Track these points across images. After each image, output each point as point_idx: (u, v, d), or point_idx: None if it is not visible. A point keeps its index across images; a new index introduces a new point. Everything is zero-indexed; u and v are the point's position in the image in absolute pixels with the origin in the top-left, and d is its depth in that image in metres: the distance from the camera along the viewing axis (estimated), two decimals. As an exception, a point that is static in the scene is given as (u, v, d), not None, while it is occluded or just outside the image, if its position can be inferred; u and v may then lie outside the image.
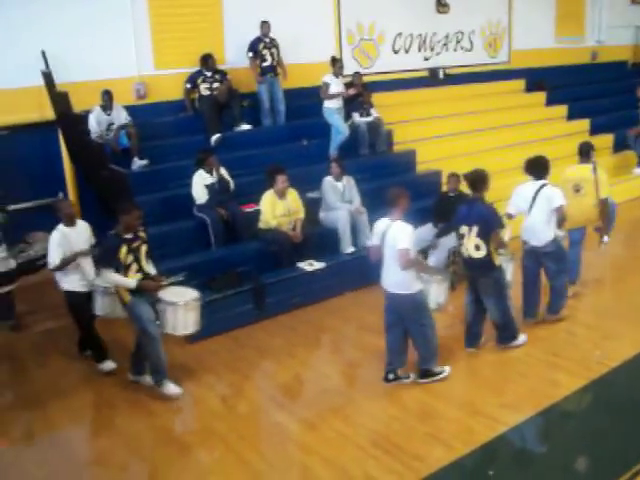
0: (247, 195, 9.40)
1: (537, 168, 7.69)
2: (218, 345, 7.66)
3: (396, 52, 13.89)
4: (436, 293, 7.26)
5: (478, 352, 7.28)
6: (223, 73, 10.87)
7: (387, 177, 11.07)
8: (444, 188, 10.28)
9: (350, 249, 9.27)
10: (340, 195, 9.53)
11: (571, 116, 14.98)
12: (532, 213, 7.53)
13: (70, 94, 9.17)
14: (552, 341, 7.51)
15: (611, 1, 17.75)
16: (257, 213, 9.04)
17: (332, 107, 10.91)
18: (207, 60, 10.73)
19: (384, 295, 6.64)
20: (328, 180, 9.56)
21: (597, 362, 6.87)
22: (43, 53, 9.56)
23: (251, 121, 11.08)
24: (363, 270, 9.18)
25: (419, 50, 14.23)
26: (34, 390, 7.00)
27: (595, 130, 14.61)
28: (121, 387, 6.94)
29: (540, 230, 7.50)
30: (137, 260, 6.55)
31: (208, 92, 10.71)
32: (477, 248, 6.89)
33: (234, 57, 11.14)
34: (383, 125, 11.54)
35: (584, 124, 14.68)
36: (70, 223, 7.02)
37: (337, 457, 5.62)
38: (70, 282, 7.04)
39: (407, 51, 14.03)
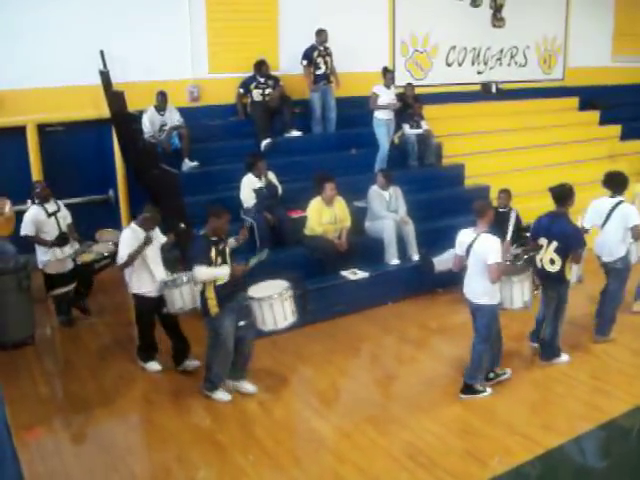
0: (295, 201, 9.45)
1: (616, 183, 7.72)
2: (258, 348, 7.65)
3: (449, 65, 13.86)
4: (520, 292, 7.24)
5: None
6: (276, 79, 10.97)
7: (435, 190, 11.06)
8: (494, 203, 10.20)
9: (395, 261, 9.24)
10: (386, 204, 9.52)
11: (624, 136, 14.74)
12: (606, 229, 7.60)
13: (126, 94, 9.34)
14: (594, 364, 7.41)
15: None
16: (304, 219, 9.08)
17: (381, 118, 10.92)
18: (261, 66, 10.83)
19: (467, 302, 6.76)
20: (374, 189, 9.56)
21: None
22: (102, 53, 9.77)
23: (301, 128, 11.16)
24: (407, 282, 9.21)
25: (472, 64, 14.17)
26: (78, 384, 7.13)
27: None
28: (161, 385, 7.03)
29: (614, 246, 7.56)
30: (225, 262, 6.56)
31: (260, 97, 10.80)
32: (552, 262, 6.98)
33: (287, 64, 11.23)
34: (433, 138, 11.51)
35: (638, 145, 14.43)
36: (147, 228, 7.07)
37: (370, 467, 5.62)
38: (141, 285, 7.05)
39: (460, 64, 13.98)
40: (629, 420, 6.41)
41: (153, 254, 7.10)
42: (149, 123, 9.86)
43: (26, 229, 8.28)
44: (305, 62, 11.19)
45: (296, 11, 11.46)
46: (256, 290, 6.87)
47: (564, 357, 7.39)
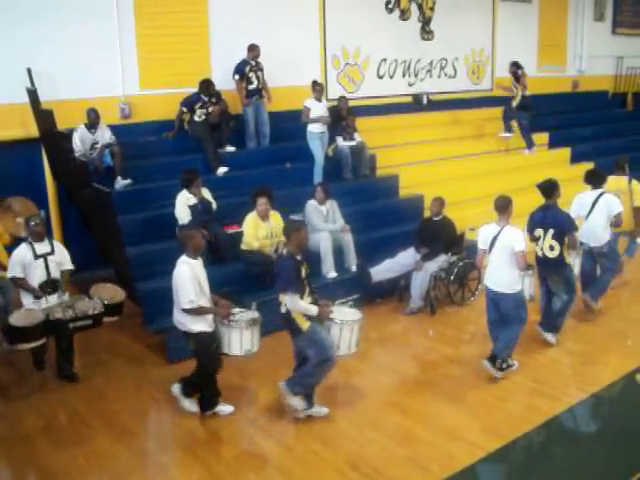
0: (231, 216, 9.40)
1: (596, 178, 8.80)
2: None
3: (381, 77, 14.04)
4: (529, 286, 8.30)
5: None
6: (219, 96, 10.89)
7: (370, 201, 11.16)
8: (427, 213, 10.35)
9: (332, 274, 9.26)
10: (324, 218, 9.56)
11: (552, 144, 15.15)
12: (591, 218, 8.60)
13: (55, 112, 9.17)
14: (532, 367, 7.57)
15: (592, 32, 18.08)
16: (240, 234, 9.04)
17: (315, 131, 10.99)
18: (208, 86, 10.67)
19: (486, 293, 7.30)
20: (311, 204, 9.59)
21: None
22: (29, 70, 9.57)
23: (235, 143, 11.13)
24: (346, 293, 9.21)
25: (403, 76, 14.39)
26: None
27: (575, 159, 14.81)
28: (97, 407, 6.89)
29: (599, 233, 8.58)
30: (308, 282, 6.40)
31: (203, 117, 10.69)
32: (551, 249, 7.74)
33: (219, 79, 11.13)
34: (366, 149, 11.61)
35: (565, 152, 14.88)
36: (196, 255, 6.47)
37: (316, 480, 5.61)
38: (200, 322, 6.39)
39: (391, 77, 14.18)
40: (566, 420, 6.57)
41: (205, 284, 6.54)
42: (80, 141, 9.67)
43: (13, 270, 7.38)
44: (237, 77, 11.16)
45: (227, 26, 11.44)
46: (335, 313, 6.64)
47: (554, 339, 8.03)
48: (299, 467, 5.80)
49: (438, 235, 9.29)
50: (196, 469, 5.85)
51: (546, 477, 5.74)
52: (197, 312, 6.26)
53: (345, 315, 6.82)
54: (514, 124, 14.25)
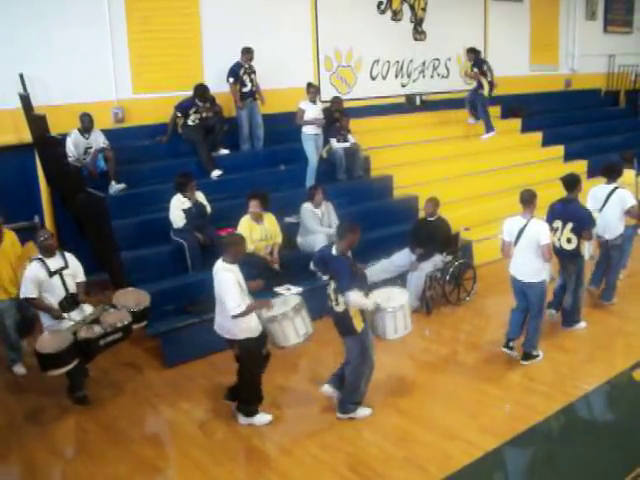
0: (225, 219, 9.39)
1: (613, 171, 8.95)
2: (195, 370, 7.62)
3: (373, 78, 14.04)
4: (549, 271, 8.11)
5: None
6: (213, 100, 10.89)
7: (364, 202, 11.16)
8: (421, 213, 10.35)
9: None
10: (319, 221, 9.56)
11: (545, 142, 15.19)
12: (605, 211, 8.77)
13: (48, 117, 9.15)
14: (527, 365, 7.58)
15: (584, 30, 18.13)
16: (235, 237, 9.03)
17: (309, 133, 10.99)
18: (204, 91, 10.65)
19: (512, 281, 7.62)
20: (307, 206, 9.59)
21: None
22: (21, 76, 9.54)
23: (229, 146, 11.13)
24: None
25: (396, 77, 14.39)
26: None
27: (569, 156, 14.84)
28: (95, 414, 6.88)
29: (613, 225, 8.77)
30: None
31: (197, 122, 10.68)
32: (569, 241, 8.03)
33: (212, 82, 11.12)
34: (360, 151, 11.61)
35: (558, 150, 14.91)
36: (236, 261, 6.35)
37: (314, 483, 5.61)
38: (246, 328, 6.36)
39: (384, 78, 14.18)
40: (563, 418, 6.58)
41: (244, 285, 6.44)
42: (73, 147, 9.66)
43: (26, 290, 6.86)
44: (232, 80, 11.16)
45: (219, 29, 11.42)
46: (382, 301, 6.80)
47: (583, 324, 8.48)
48: (297, 470, 5.80)
49: (433, 235, 9.29)
50: (194, 473, 5.84)
51: (544, 475, 5.75)
52: (245, 313, 6.19)
53: (395, 300, 6.98)
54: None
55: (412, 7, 14.44)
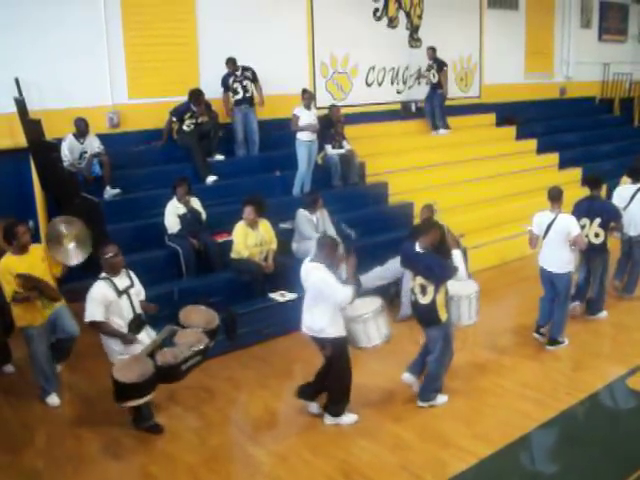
0: (220, 225, 9.40)
1: (638, 173, 9.47)
2: (187, 378, 7.58)
3: (369, 85, 14.07)
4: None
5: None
6: (208, 105, 10.91)
7: (360, 208, 11.18)
8: (417, 220, 10.35)
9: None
10: (314, 227, 9.56)
11: (540, 150, 15.23)
12: (630, 208, 9.24)
13: (43, 122, 9.14)
14: (522, 372, 7.58)
15: (579, 39, 18.19)
16: (230, 243, 9.03)
17: (303, 139, 10.98)
18: (198, 96, 10.66)
19: (540, 272, 8.16)
20: (302, 212, 9.59)
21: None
22: (16, 80, 9.53)
23: (225, 151, 11.13)
24: (335, 301, 9.21)
25: (392, 83, 14.42)
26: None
27: (563, 164, 14.90)
28: (85, 416, 6.85)
29: (638, 222, 9.19)
30: None
31: (192, 127, 10.69)
32: (596, 235, 8.53)
33: (208, 87, 11.13)
34: (355, 157, 11.64)
35: (553, 158, 14.96)
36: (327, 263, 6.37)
37: (307, 489, 5.60)
38: (339, 325, 6.38)
39: (380, 84, 14.21)
40: (556, 425, 6.59)
41: None
42: (68, 151, 9.65)
43: (93, 313, 6.26)
44: (222, 89, 11.26)
45: (215, 34, 11.44)
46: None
47: (605, 313, 8.99)
48: (291, 476, 5.79)
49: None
50: (186, 478, 5.82)
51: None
52: (354, 298, 6.29)
53: (464, 290, 7.44)
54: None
55: (408, 14, 14.48)
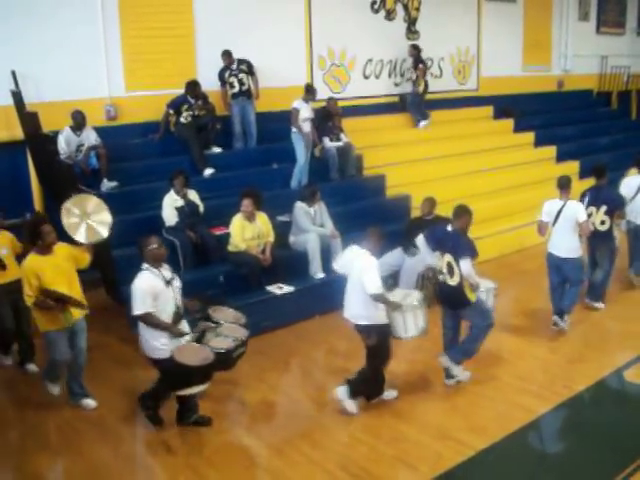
0: (218, 218, 9.40)
1: None
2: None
3: (367, 78, 14.04)
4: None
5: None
6: (205, 97, 10.88)
7: (357, 201, 11.17)
8: (414, 212, 10.35)
9: (320, 274, 9.26)
10: (311, 220, 9.56)
11: (538, 143, 15.23)
12: (637, 199, 9.47)
13: (40, 114, 9.12)
14: (518, 365, 7.59)
15: (577, 31, 18.16)
16: (227, 236, 9.03)
17: (300, 132, 10.98)
18: (194, 87, 10.66)
19: (549, 259, 8.39)
20: (300, 205, 9.58)
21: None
22: (13, 73, 9.50)
23: (222, 144, 11.11)
24: (333, 294, 9.21)
25: (389, 76, 14.39)
26: None
27: (561, 157, 14.90)
28: (85, 413, 6.86)
29: None
30: None
31: (190, 119, 10.67)
32: (602, 223, 8.78)
33: (205, 80, 11.11)
34: (353, 150, 11.62)
35: (551, 151, 14.96)
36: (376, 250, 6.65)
37: (305, 482, 5.61)
38: (381, 313, 6.53)
39: (377, 77, 14.18)
40: (553, 418, 6.60)
41: None
42: (65, 144, 9.63)
43: (144, 305, 6.02)
44: (220, 83, 11.27)
45: (212, 27, 11.41)
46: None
47: (603, 305, 9.11)
48: (288, 469, 5.79)
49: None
50: (184, 472, 5.83)
51: (535, 475, 5.75)
52: (382, 296, 6.44)
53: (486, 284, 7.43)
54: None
55: (405, 7, 14.44)
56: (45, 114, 9.22)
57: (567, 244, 8.18)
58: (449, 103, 14.99)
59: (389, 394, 6.84)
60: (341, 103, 12.56)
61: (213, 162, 10.61)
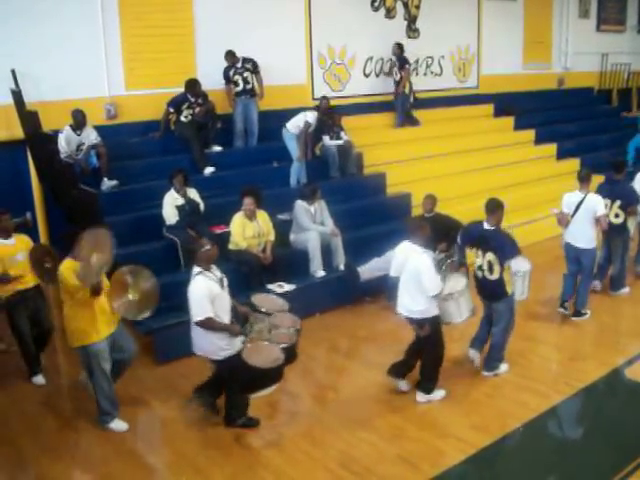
0: (218, 216, 9.38)
1: None
2: (187, 367, 7.57)
3: (367, 76, 14.01)
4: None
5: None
6: (205, 95, 10.86)
7: (357, 199, 11.15)
8: (415, 210, 10.34)
9: (321, 273, 9.26)
10: (312, 218, 9.55)
11: (538, 141, 15.21)
12: None
13: (40, 113, 9.11)
14: (519, 362, 7.58)
15: (577, 29, 18.13)
16: (228, 234, 9.02)
17: (292, 132, 10.96)
18: (194, 86, 10.64)
19: (567, 248, 8.71)
20: (300, 203, 9.58)
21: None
22: (13, 72, 9.49)
23: (223, 143, 11.10)
24: (334, 292, 9.24)
25: (389, 74, 14.36)
26: None
27: (561, 155, 14.88)
28: (81, 407, 6.86)
29: None
30: None
31: (189, 117, 10.66)
32: (617, 216, 9.05)
33: (206, 79, 11.09)
34: (353, 148, 11.61)
35: (551, 149, 14.94)
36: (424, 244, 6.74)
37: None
38: (434, 305, 6.66)
39: (378, 75, 14.16)
40: (555, 415, 6.60)
41: None
42: (65, 143, 9.60)
43: (204, 309, 5.97)
44: (224, 82, 11.26)
45: (212, 25, 11.39)
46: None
47: (627, 289, 9.57)
48: (289, 467, 5.80)
49: (432, 231, 9.27)
50: (186, 470, 5.83)
51: (536, 472, 5.75)
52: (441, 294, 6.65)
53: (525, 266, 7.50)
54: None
55: (406, 5, 14.42)
56: (45, 113, 9.21)
57: (585, 235, 8.47)
58: (449, 101, 14.97)
59: (439, 394, 6.90)
60: (341, 101, 12.57)
61: (213, 161, 10.59)
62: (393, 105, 13.94)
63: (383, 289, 9.59)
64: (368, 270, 9.26)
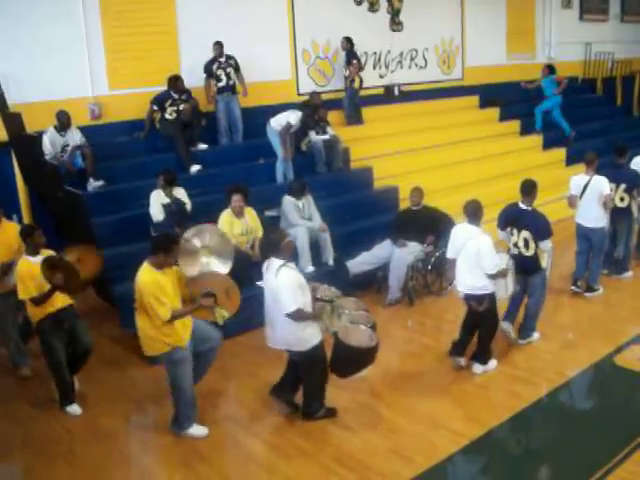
0: (205, 214, 9.32)
1: None
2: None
3: (351, 70, 13.97)
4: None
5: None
6: (189, 93, 10.82)
7: (344, 194, 11.14)
8: (402, 204, 10.34)
9: (310, 268, 9.22)
10: (300, 213, 9.54)
11: (524, 131, 15.25)
12: None
13: (23, 115, 9.05)
14: (510, 352, 7.62)
15: (560, 18, 18.14)
16: (215, 232, 8.98)
17: (277, 128, 10.84)
18: (176, 82, 10.60)
19: (578, 229, 9.14)
20: (288, 199, 9.55)
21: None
22: (-5, 74, 9.45)
23: (208, 140, 11.06)
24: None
25: (374, 68, 14.35)
26: None
27: (547, 145, 14.92)
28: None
29: None
30: None
31: (174, 115, 10.61)
32: (622, 199, 9.28)
33: (189, 76, 11.05)
34: (339, 143, 11.60)
35: (537, 139, 14.98)
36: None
37: (300, 476, 5.61)
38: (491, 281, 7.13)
39: (362, 69, 14.12)
40: (547, 404, 6.63)
41: None
42: (50, 144, 9.54)
43: (294, 302, 5.98)
44: (205, 75, 11.18)
45: (195, 23, 11.34)
46: None
47: (631, 272, 9.83)
48: (284, 463, 5.80)
49: (417, 224, 9.30)
50: (179, 469, 5.83)
51: (529, 462, 5.78)
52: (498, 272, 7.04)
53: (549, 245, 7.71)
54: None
55: (389, -2, 14.42)
56: (29, 115, 9.18)
57: (593, 215, 8.85)
58: (434, 93, 14.97)
59: (492, 363, 7.33)
60: (326, 96, 12.53)
61: (199, 159, 10.56)
62: (342, 101, 13.40)
63: (373, 283, 9.63)
64: (357, 264, 9.26)
